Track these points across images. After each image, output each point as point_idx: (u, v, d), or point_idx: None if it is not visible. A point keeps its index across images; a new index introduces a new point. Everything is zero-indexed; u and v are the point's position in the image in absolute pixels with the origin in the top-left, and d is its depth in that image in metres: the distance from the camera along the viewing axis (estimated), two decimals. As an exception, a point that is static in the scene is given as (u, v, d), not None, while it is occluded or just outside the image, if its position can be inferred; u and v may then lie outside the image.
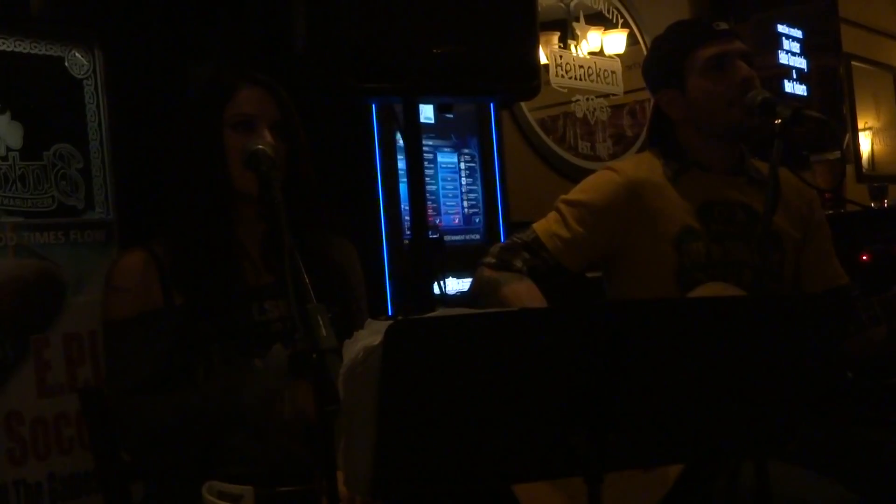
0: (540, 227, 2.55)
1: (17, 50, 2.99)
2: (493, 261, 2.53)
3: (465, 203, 4.08)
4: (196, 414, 2.12)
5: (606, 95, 5.34)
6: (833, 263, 2.69)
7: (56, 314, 3.04)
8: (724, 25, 2.58)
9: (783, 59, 6.52)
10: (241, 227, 2.27)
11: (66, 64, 3.12)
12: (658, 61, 2.67)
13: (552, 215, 2.56)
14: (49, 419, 2.98)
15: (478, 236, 4.07)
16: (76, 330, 3.07)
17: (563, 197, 2.59)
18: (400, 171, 3.58)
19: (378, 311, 3.28)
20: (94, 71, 3.18)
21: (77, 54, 3.14)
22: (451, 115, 3.75)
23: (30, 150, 3.00)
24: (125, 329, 2.19)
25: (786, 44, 6.59)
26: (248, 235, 2.28)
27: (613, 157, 5.23)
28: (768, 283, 2.48)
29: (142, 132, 3.17)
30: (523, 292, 2.44)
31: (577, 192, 2.59)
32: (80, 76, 3.15)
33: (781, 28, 6.55)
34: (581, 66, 5.18)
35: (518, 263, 2.50)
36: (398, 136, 3.45)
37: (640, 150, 2.76)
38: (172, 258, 2.23)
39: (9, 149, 2.95)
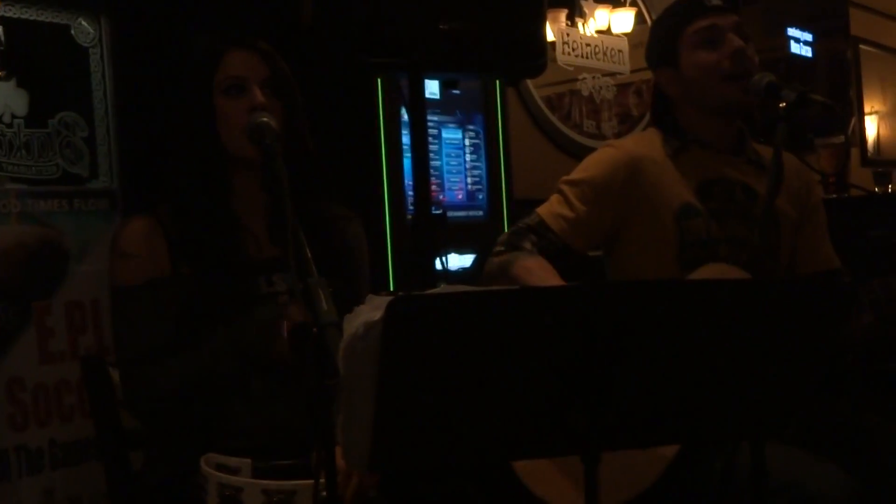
0: (544, 210, 2.55)
1: (23, 17, 2.98)
2: (501, 248, 2.53)
3: (469, 179, 4.08)
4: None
5: (613, 74, 5.33)
6: (826, 247, 2.69)
7: (58, 282, 3.04)
8: (716, 1, 2.57)
9: (793, 49, 6.53)
10: (243, 199, 2.27)
11: (73, 32, 3.11)
12: (655, 40, 2.68)
13: (555, 197, 2.56)
14: (50, 386, 2.99)
15: (481, 213, 4.08)
16: (78, 298, 3.07)
17: (564, 178, 2.59)
18: (404, 147, 3.58)
19: (380, 287, 3.28)
20: (100, 39, 3.17)
21: (83, 22, 3.13)
22: (458, 92, 3.75)
23: (35, 117, 3.00)
24: (133, 296, 2.20)
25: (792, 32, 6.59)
26: (251, 208, 2.28)
27: (618, 136, 5.23)
28: (766, 263, 2.49)
29: (147, 102, 3.16)
30: (534, 267, 2.44)
31: (578, 172, 2.59)
32: (86, 44, 3.14)
33: (792, 31, 6.56)
34: (588, 45, 5.17)
35: (527, 245, 2.49)
36: (403, 111, 3.45)
37: (645, 129, 2.76)
38: (175, 227, 2.24)
39: (14, 116, 2.95)
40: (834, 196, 4.59)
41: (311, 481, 1.93)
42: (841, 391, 2.73)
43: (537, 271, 2.42)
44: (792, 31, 6.72)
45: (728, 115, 2.57)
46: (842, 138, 5.00)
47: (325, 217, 2.31)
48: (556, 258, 2.49)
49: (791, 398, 1.62)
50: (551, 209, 2.54)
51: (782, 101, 2.28)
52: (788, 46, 6.66)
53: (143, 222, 2.25)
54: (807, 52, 6.84)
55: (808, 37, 6.84)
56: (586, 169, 2.58)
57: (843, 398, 2.70)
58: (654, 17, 5.36)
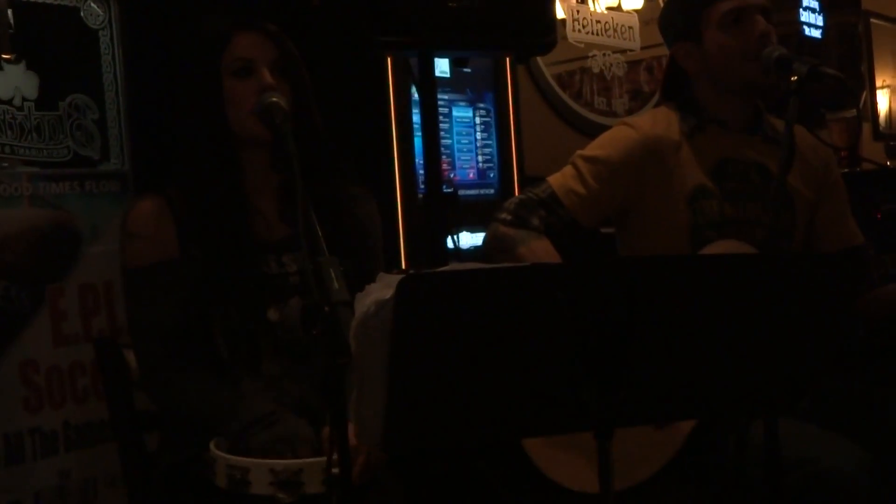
0: (556, 181, 2.54)
1: (32, 0, 2.98)
2: (508, 217, 2.52)
3: (480, 158, 4.08)
4: (218, 419, 2.13)
5: (623, 51, 5.30)
6: (849, 223, 2.68)
7: (71, 264, 3.04)
8: None
9: (804, 21, 6.49)
10: (254, 180, 2.27)
11: (82, 14, 3.11)
12: (675, 13, 2.65)
13: (568, 170, 2.55)
14: (64, 368, 3.00)
15: (492, 191, 4.07)
16: (91, 280, 3.07)
17: (580, 152, 2.58)
18: (415, 125, 3.58)
19: (391, 265, 3.28)
20: (110, 21, 3.17)
21: (93, 4, 3.13)
22: (468, 70, 3.74)
23: (45, 100, 2.99)
24: (144, 276, 2.21)
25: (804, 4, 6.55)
26: (261, 189, 2.28)
27: (630, 112, 5.20)
28: (780, 243, 2.48)
29: (157, 83, 3.16)
30: (540, 251, 2.44)
31: (594, 148, 2.58)
32: (95, 26, 3.14)
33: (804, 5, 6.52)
34: (598, 21, 5.14)
35: (535, 221, 2.49)
36: (413, 89, 3.44)
37: (657, 105, 2.74)
38: (184, 207, 2.24)
39: (24, 99, 2.95)
40: (846, 170, 4.57)
41: (319, 459, 1.94)
42: (854, 366, 2.73)
43: (543, 257, 2.42)
44: (803, 6, 6.68)
45: (747, 95, 2.55)
46: (854, 112, 4.98)
47: (337, 196, 2.30)
48: (563, 232, 2.49)
49: (804, 373, 1.62)
50: (564, 182, 2.52)
51: (794, 75, 2.26)
52: (800, 20, 6.63)
53: (152, 203, 2.26)
54: (818, 25, 6.80)
55: (820, 17, 6.80)
56: (602, 146, 2.57)
57: (856, 373, 2.69)
58: (664, -7, 5.34)
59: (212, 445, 2.05)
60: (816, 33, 6.71)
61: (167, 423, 2.31)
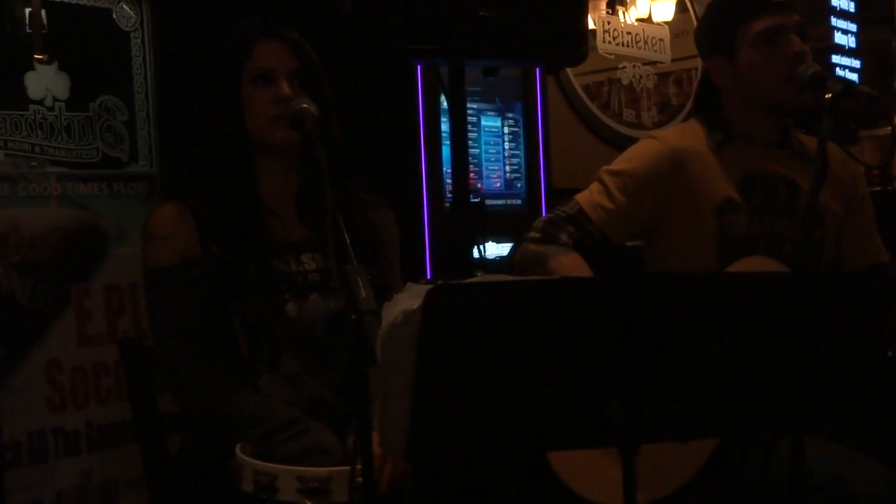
0: (583, 198, 2.53)
1: (65, 1, 2.99)
2: (537, 235, 2.51)
3: (508, 168, 4.08)
4: (242, 424, 2.13)
5: (653, 63, 5.30)
6: (874, 240, 2.66)
7: (97, 265, 3.06)
8: None
9: (837, 38, 6.47)
10: (271, 184, 2.30)
11: (114, 16, 3.12)
12: (710, 28, 2.63)
13: (595, 186, 2.54)
14: (88, 368, 3.01)
15: (519, 201, 4.07)
16: (117, 281, 3.08)
17: (606, 167, 2.57)
18: (443, 134, 3.58)
19: (417, 275, 3.28)
20: (142, 23, 3.18)
21: (125, 6, 3.14)
22: (491, 78, 3.73)
23: (76, 100, 3.01)
24: (165, 276, 2.22)
25: (836, 21, 6.52)
26: (279, 192, 2.31)
27: (658, 125, 5.19)
28: (808, 259, 2.46)
29: (186, 86, 3.17)
30: (571, 265, 2.43)
31: (620, 162, 2.57)
32: (127, 28, 3.15)
33: (836, 22, 6.49)
34: (629, 33, 5.14)
35: (563, 237, 2.48)
36: (442, 98, 3.44)
37: (686, 119, 2.73)
38: (204, 209, 2.26)
39: (55, 99, 2.97)
40: (878, 188, 4.55)
41: (347, 468, 1.93)
42: (882, 386, 2.71)
43: (574, 270, 2.42)
44: (836, 22, 6.66)
45: (778, 114, 2.54)
46: (887, 130, 4.95)
47: (351, 203, 2.31)
48: (592, 248, 2.48)
49: (832, 393, 1.60)
50: (591, 198, 2.52)
51: (827, 93, 2.24)
52: (832, 37, 6.61)
53: (172, 206, 2.29)
54: (851, 42, 6.78)
55: (853, 27, 6.78)
56: (629, 160, 2.56)
57: (884, 393, 2.67)
58: (695, 6, 5.33)
59: (237, 450, 2.05)
60: (851, 43, 6.69)
61: (190, 425, 2.31)
